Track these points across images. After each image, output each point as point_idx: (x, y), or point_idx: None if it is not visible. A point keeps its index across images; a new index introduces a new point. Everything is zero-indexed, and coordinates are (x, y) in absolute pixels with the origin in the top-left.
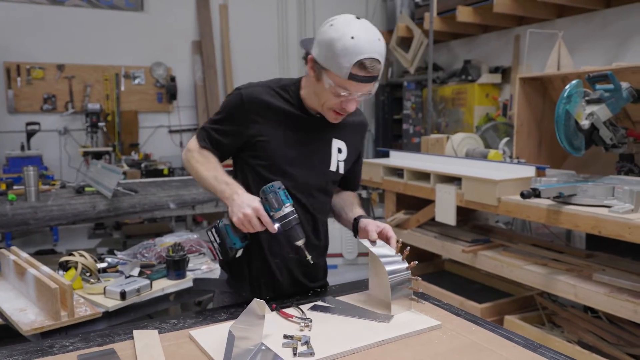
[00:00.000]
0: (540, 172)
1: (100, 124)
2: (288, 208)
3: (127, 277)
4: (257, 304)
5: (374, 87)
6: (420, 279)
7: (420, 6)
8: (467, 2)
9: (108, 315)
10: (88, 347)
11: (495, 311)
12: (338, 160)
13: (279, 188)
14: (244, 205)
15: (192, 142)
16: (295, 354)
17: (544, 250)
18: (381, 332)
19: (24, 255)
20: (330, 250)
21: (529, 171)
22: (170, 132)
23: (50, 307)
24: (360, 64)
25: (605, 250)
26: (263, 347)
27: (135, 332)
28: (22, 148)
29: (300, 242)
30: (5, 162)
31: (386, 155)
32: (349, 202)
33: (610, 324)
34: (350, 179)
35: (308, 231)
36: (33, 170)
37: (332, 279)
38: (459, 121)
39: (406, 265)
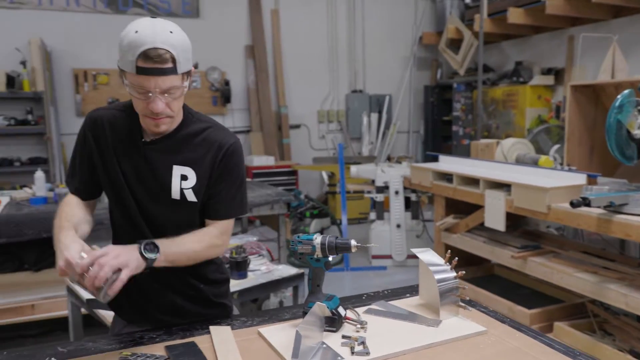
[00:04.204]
0: (591, 180)
1: None
2: (317, 239)
3: None
4: (319, 308)
5: (180, 82)
6: (467, 287)
7: (470, 7)
8: (519, 4)
9: None
10: (172, 339)
11: (544, 317)
12: (183, 188)
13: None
14: (65, 250)
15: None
16: (352, 353)
17: (595, 258)
18: (430, 335)
19: None
20: (379, 252)
21: (580, 179)
22: None
23: None
24: (145, 55)
25: None
26: (324, 346)
27: (212, 328)
28: None
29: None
30: None
31: (435, 159)
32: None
33: None
34: (212, 205)
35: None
36: None
37: (382, 280)
38: (509, 123)
39: (454, 274)
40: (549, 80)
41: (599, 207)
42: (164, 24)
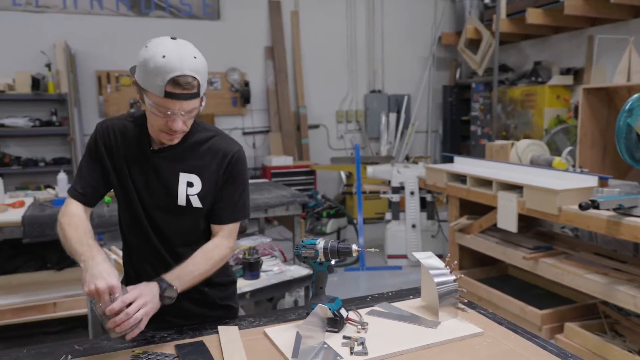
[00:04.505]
0: (603, 182)
1: None
2: (320, 244)
3: None
4: (321, 309)
5: (199, 103)
6: (465, 290)
7: (489, 7)
8: (537, 4)
9: None
10: (182, 338)
11: (555, 317)
12: (189, 194)
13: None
14: (98, 279)
15: (63, 205)
16: (352, 353)
17: (606, 260)
18: (428, 336)
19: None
20: (395, 252)
21: (591, 181)
22: (244, 134)
23: None
24: (174, 82)
25: None
26: (325, 346)
27: (220, 328)
28: None
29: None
30: None
31: (451, 160)
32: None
33: None
34: (218, 211)
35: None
36: None
37: (397, 280)
38: (528, 123)
39: (454, 277)
40: (568, 80)
41: (607, 209)
42: (187, 48)
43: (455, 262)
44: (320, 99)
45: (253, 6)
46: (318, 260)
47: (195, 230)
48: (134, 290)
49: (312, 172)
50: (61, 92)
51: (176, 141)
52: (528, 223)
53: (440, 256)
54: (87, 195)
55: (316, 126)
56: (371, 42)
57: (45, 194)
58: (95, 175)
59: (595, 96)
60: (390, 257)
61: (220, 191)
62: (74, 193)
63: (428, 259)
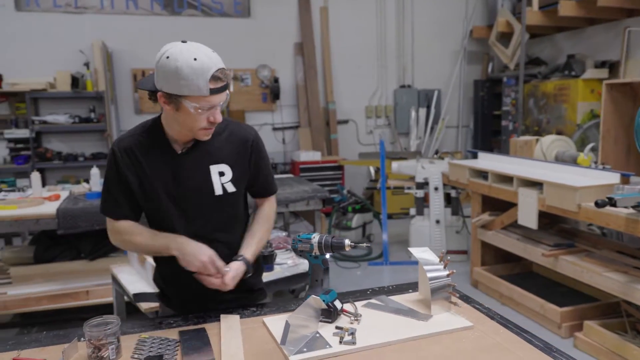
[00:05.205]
0: (624, 179)
1: None
2: (315, 239)
3: None
4: (314, 300)
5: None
6: (456, 285)
7: (521, 0)
8: None
9: None
10: (187, 325)
11: (575, 315)
12: (223, 183)
13: None
14: (200, 254)
15: (108, 224)
16: (340, 342)
17: (629, 258)
18: (418, 329)
19: None
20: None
21: (613, 178)
22: (274, 129)
23: None
24: (215, 78)
25: None
26: (317, 335)
27: (222, 316)
28: None
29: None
30: None
31: (475, 156)
32: (251, 231)
33: None
34: (260, 187)
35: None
36: None
37: (417, 274)
38: (560, 118)
39: (447, 272)
40: (603, 73)
41: (626, 207)
42: (203, 47)
43: (449, 257)
44: (349, 94)
45: (283, 3)
46: (313, 253)
47: (235, 213)
48: (230, 271)
49: (340, 167)
50: (99, 89)
51: (210, 134)
52: (552, 220)
53: (464, 252)
54: (131, 216)
55: (345, 121)
56: (401, 37)
57: (80, 188)
58: (126, 196)
59: (619, 91)
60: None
61: (255, 172)
62: (116, 216)
63: (423, 254)
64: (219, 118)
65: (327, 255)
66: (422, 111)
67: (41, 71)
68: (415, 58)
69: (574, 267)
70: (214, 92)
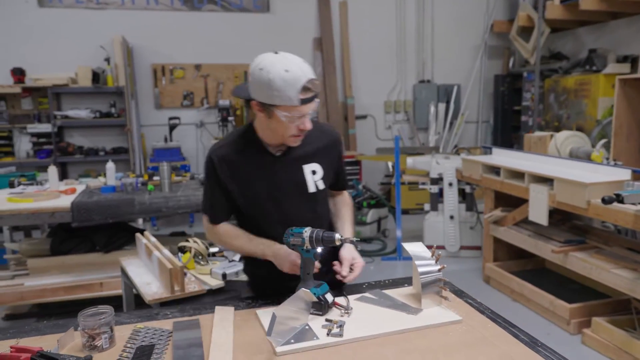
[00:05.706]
0: (636, 175)
1: (230, 118)
2: (307, 233)
3: (230, 262)
4: (304, 293)
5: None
6: (447, 280)
7: None
8: None
9: (212, 292)
10: (182, 316)
11: (584, 312)
12: (315, 181)
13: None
14: (291, 257)
15: (206, 224)
16: (328, 334)
17: (638, 255)
18: (406, 322)
19: (153, 239)
20: (432, 243)
21: (624, 174)
22: None
23: (167, 283)
24: (305, 88)
25: None
26: (306, 327)
27: (217, 308)
28: (165, 140)
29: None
30: (151, 152)
31: (489, 152)
32: (341, 215)
33: None
34: (340, 182)
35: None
36: (167, 165)
37: None
38: (581, 113)
39: (438, 267)
40: (625, 68)
41: (633, 204)
42: (294, 57)
43: (440, 252)
44: (368, 89)
45: None
46: (305, 247)
47: (324, 207)
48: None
49: (357, 163)
50: (119, 85)
51: (299, 140)
52: (565, 217)
53: (478, 248)
54: (227, 218)
55: (364, 116)
56: (421, 32)
57: (96, 182)
58: (225, 200)
59: (632, 87)
60: (427, 247)
61: (338, 169)
62: (217, 220)
63: (416, 248)
64: (309, 126)
65: (319, 249)
66: (442, 106)
67: (63, 67)
68: (434, 53)
69: (583, 263)
70: (304, 102)
